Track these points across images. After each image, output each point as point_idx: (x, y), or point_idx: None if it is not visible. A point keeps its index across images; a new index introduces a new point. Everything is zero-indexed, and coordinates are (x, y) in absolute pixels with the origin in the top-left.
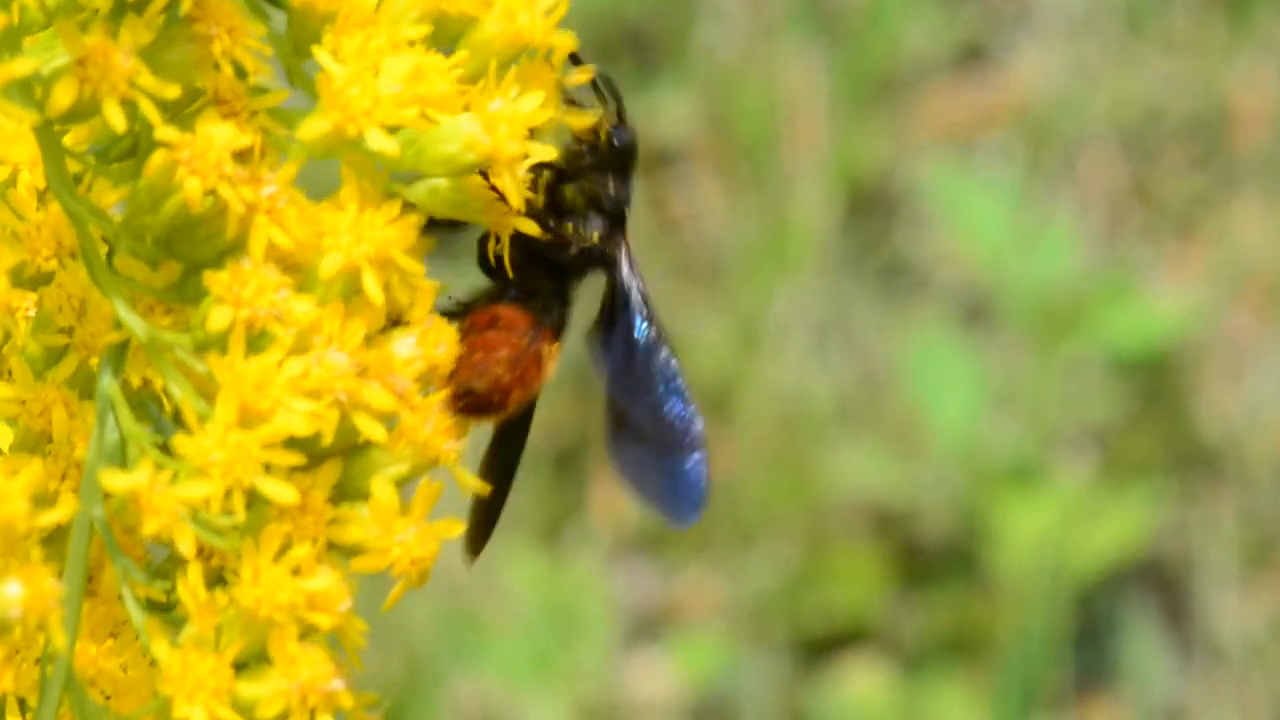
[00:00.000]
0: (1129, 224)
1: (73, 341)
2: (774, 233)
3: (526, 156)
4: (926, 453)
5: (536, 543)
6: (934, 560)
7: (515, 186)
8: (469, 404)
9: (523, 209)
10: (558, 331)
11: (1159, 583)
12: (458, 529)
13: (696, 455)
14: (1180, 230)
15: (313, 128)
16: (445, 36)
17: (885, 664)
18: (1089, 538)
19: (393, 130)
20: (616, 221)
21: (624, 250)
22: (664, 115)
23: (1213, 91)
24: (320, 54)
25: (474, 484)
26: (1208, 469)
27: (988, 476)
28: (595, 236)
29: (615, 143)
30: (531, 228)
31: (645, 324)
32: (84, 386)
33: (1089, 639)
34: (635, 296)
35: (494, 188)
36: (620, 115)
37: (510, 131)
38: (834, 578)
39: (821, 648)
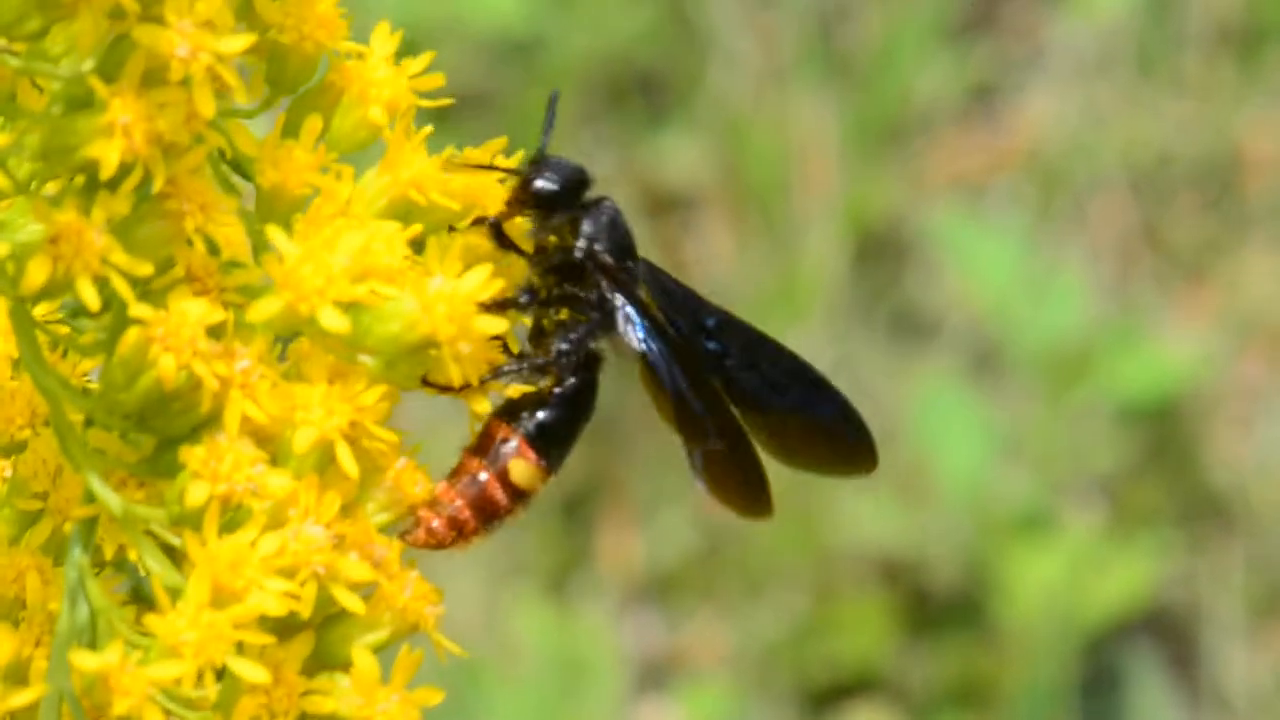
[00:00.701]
0: (1139, 269)
1: (47, 507)
2: (784, 277)
3: (469, 335)
4: (934, 501)
5: (543, 591)
6: (941, 609)
7: (456, 366)
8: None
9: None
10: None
11: (1167, 633)
12: (437, 697)
13: (833, 399)
14: (1190, 275)
15: (265, 308)
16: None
17: (893, 713)
18: (1097, 587)
19: (346, 307)
20: (591, 270)
21: (623, 291)
22: (674, 159)
23: (1224, 136)
24: (273, 233)
25: (452, 649)
26: (1216, 518)
27: (996, 526)
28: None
29: (534, 187)
30: (484, 405)
31: (655, 342)
32: (58, 552)
33: (1096, 689)
34: (649, 347)
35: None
36: (535, 160)
37: (449, 312)
38: (841, 627)
39: (829, 697)
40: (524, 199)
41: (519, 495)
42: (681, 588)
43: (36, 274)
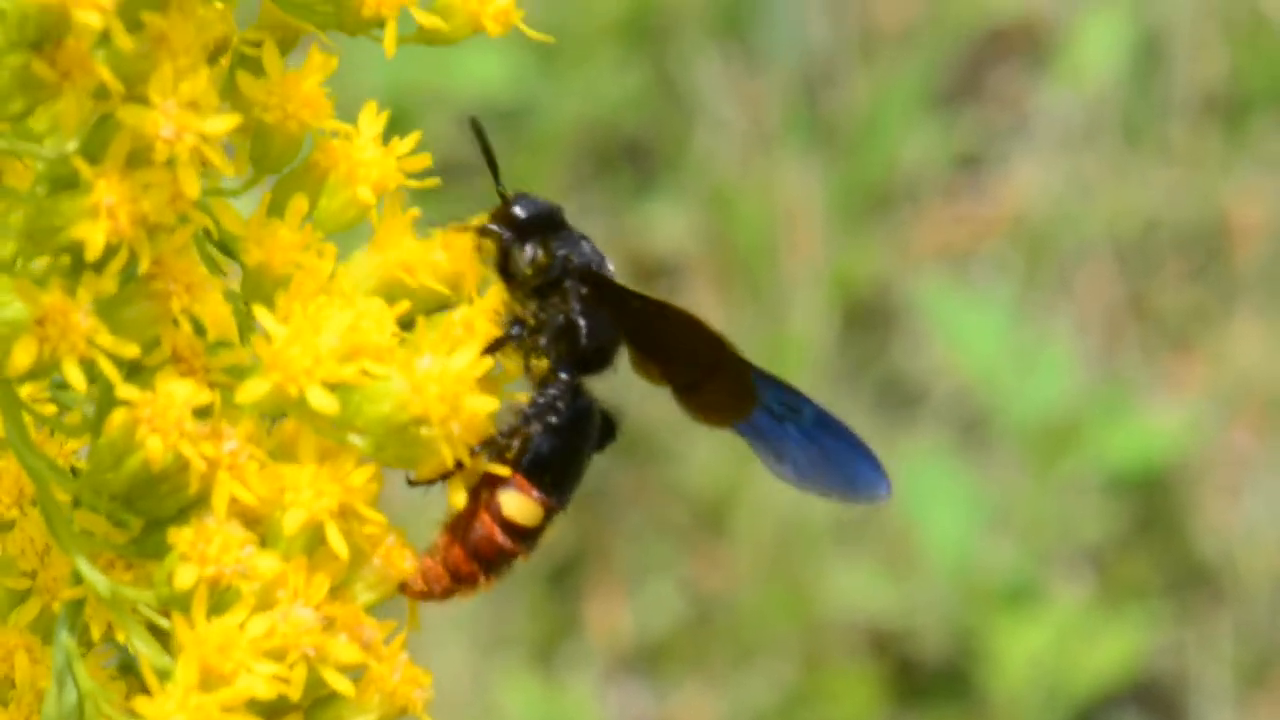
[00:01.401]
0: (1126, 338)
1: (35, 585)
2: (770, 345)
3: (458, 414)
4: (922, 572)
5: (530, 662)
6: (930, 680)
7: (448, 446)
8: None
9: (458, 463)
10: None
11: (1155, 703)
12: None
13: (845, 433)
14: (1178, 344)
15: (253, 389)
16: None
17: None
18: (1085, 658)
19: (334, 387)
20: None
21: (598, 283)
22: (661, 226)
23: (1210, 205)
24: (260, 314)
25: None
26: (1204, 589)
27: (983, 596)
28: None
29: (521, 214)
30: (461, 497)
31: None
32: (46, 631)
33: None
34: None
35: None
36: (502, 196)
37: (440, 391)
38: (829, 696)
39: None
40: (500, 225)
41: (520, 534)
42: (670, 657)
43: (22, 356)
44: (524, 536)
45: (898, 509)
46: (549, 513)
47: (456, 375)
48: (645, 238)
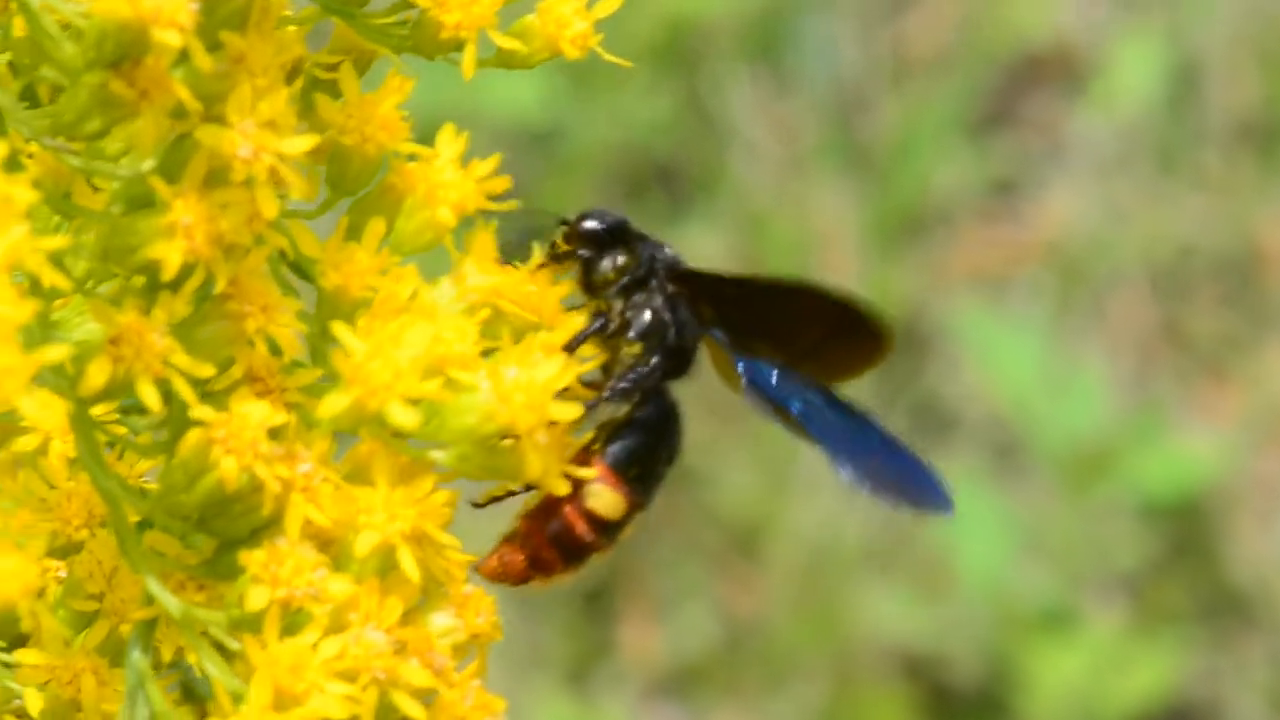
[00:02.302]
0: (1159, 364)
1: (103, 608)
2: None
3: (544, 424)
4: (955, 596)
5: (564, 684)
6: (963, 705)
7: (537, 455)
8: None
9: (545, 475)
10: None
11: None
12: None
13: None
14: (1211, 371)
15: (333, 404)
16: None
17: None
18: (1119, 684)
19: (415, 402)
20: (669, 281)
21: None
22: (694, 250)
23: (1244, 231)
24: (339, 330)
25: None
26: (1238, 615)
27: (1017, 622)
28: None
29: (585, 228)
30: (562, 487)
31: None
32: (114, 654)
33: None
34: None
35: None
36: (566, 221)
37: (527, 400)
38: None
39: None
40: (574, 243)
41: (602, 527)
42: (703, 681)
43: (97, 375)
44: (606, 529)
45: (931, 533)
46: (632, 508)
47: (543, 385)
48: None
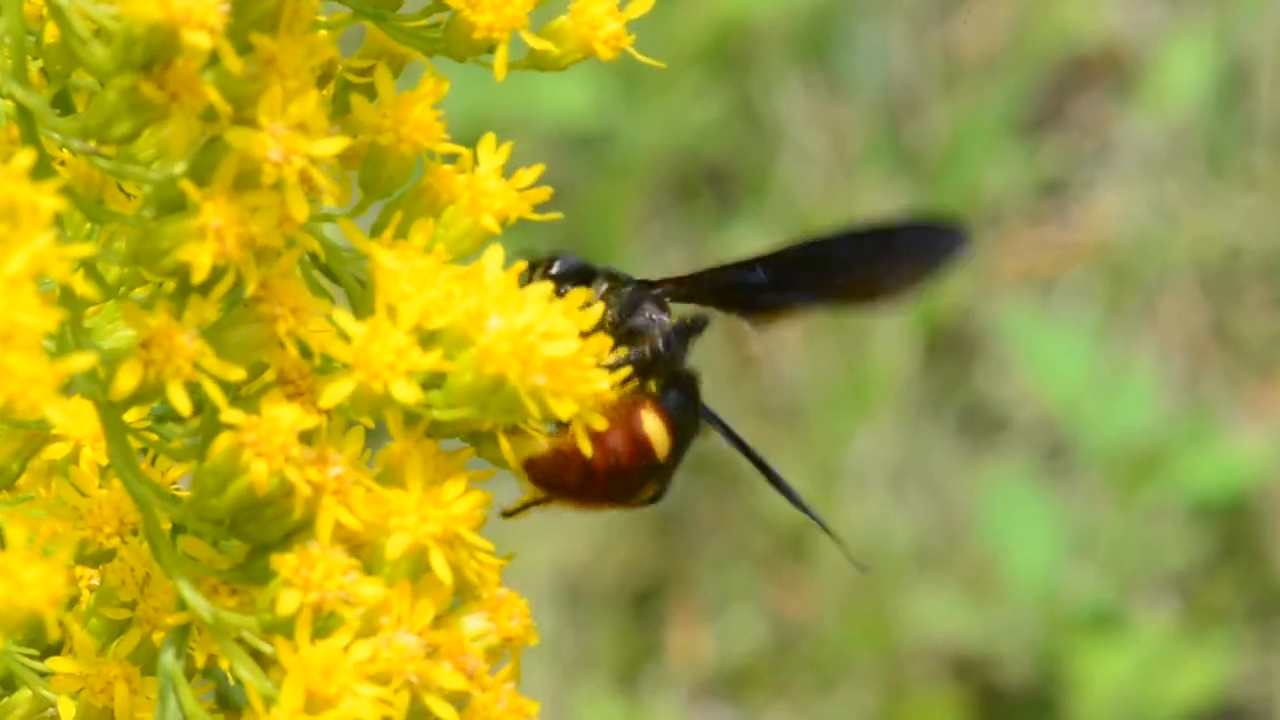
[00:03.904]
0: (1209, 365)
1: (135, 616)
2: (853, 373)
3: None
4: (1005, 598)
5: (613, 686)
6: (1013, 706)
7: (532, 400)
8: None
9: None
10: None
11: None
12: None
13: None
14: (1261, 371)
15: (337, 391)
16: None
17: None
18: (1169, 684)
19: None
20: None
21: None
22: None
23: None
24: (338, 316)
25: None
26: None
27: (1067, 622)
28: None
29: (555, 271)
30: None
31: None
32: (146, 662)
33: None
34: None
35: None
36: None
37: (513, 348)
38: None
39: None
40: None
41: (645, 455)
42: (752, 683)
43: (127, 379)
44: (644, 464)
45: (981, 535)
46: (663, 467)
47: (524, 329)
48: None
